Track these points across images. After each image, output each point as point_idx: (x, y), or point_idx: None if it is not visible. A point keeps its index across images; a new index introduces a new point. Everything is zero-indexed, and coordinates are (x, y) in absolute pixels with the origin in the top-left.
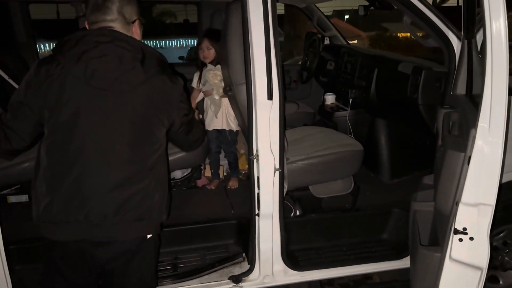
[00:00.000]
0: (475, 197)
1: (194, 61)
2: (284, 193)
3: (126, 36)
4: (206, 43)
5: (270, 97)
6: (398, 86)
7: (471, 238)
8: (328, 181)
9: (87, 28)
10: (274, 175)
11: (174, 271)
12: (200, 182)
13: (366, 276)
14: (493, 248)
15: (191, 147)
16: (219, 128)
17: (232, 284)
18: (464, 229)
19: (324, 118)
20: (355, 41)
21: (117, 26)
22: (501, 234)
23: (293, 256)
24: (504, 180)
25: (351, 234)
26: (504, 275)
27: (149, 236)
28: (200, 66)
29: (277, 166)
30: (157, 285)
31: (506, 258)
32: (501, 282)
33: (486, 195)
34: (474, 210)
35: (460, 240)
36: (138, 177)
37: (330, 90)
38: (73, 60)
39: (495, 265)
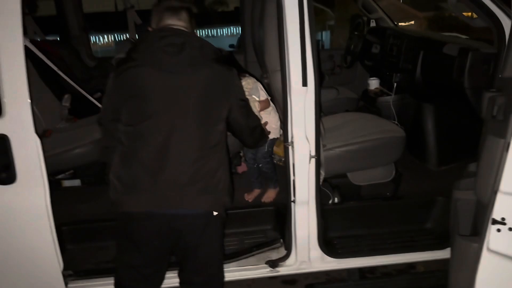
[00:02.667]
0: None
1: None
2: (321, 180)
3: (188, 31)
4: None
5: (304, 83)
6: (444, 69)
7: (510, 229)
8: (367, 168)
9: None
10: (309, 162)
11: None
12: (240, 169)
13: (410, 265)
14: None
15: (254, 136)
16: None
17: (269, 269)
18: (503, 219)
19: (367, 103)
20: (412, 22)
21: (184, 27)
22: None
23: (331, 243)
24: None
25: (392, 223)
26: None
27: (215, 213)
28: None
29: (313, 153)
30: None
31: None
32: None
33: None
34: None
35: (498, 230)
36: (204, 153)
37: (375, 74)
38: (146, 53)
39: None
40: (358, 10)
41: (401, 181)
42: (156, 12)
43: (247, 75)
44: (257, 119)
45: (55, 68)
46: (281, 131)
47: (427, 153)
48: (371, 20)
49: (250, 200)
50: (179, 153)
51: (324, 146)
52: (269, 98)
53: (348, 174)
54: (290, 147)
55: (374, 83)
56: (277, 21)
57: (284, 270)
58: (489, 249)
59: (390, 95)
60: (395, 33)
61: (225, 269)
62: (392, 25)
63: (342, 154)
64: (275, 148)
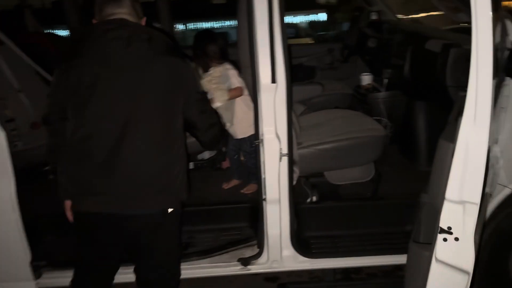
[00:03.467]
0: (460, 194)
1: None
2: (295, 179)
3: (134, 22)
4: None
5: (273, 80)
6: (429, 66)
7: (456, 239)
8: (344, 167)
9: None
10: (280, 160)
11: (186, 250)
12: (225, 164)
13: (397, 267)
14: None
15: (210, 134)
16: (238, 137)
17: (240, 266)
18: (449, 228)
19: (359, 99)
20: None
21: (130, 18)
22: None
23: (306, 242)
24: None
25: (371, 224)
26: None
27: (170, 210)
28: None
29: (284, 151)
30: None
31: None
32: None
33: (470, 192)
34: (460, 208)
35: (445, 240)
36: (158, 152)
37: (371, 69)
38: (91, 48)
39: None
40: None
41: (380, 181)
42: (97, 1)
43: (224, 63)
44: (216, 116)
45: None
46: None
47: (416, 152)
48: (372, 13)
49: (225, 188)
50: (133, 153)
51: (299, 144)
52: (241, 86)
53: (325, 173)
54: (260, 145)
55: (366, 79)
56: (247, 16)
57: (255, 268)
58: (437, 259)
59: (381, 91)
60: (390, 27)
61: (197, 265)
62: (393, 18)
63: (317, 153)
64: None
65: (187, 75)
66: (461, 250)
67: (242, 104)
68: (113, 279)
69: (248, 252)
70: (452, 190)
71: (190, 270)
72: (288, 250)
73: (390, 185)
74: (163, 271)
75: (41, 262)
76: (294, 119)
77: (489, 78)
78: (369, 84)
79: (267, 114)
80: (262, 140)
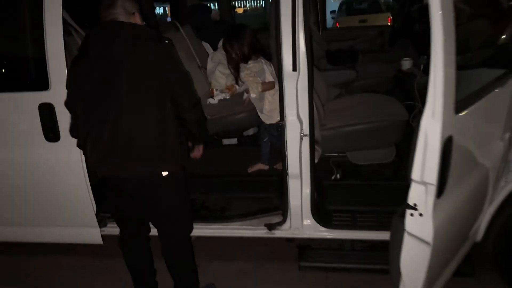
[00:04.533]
0: (421, 176)
1: None
2: (317, 157)
3: (121, 22)
4: (229, 48)
5: (294, 68)
6: None
7: (421, 214)
8: (364, 149)
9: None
10: (301, 140)
11: (222, 213)
12: (249, 169)
13: None
14: None
15: (194, 113)
16: (267, 122)
17: (266, 230)
18: (415, 205)
19: (398, 83)
20: None
21: (121, 17)
22: None
23: (328, 215)
24: None
25: (390, 203)
26: None
27: (165, 173)
28: (235, 68)
29: (306, 132)
30: (193, 220)
31: None
32: None
33: (429, 175)
34: (422, 188)
35: (412, 215)
36: (150, 127)
37: (418, 53)
38: (88, 49)
39: None
40: None
41: (401, 163)
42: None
43: (259, 58)
44: (196, 96)
45: None
46: None
47: None
48: None
49: (249, 171)
50: (128, 129)
51: (323, 125)
52: (274, 80)
53: (348, 153)
54: (284, 126)
55: (406, 64)
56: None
57: (279, 233)
58: (406, 231)
59: (422, 76)
60: None
61: (231, 227)
62: None
63: (339, 134)
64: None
65: (167, 60)
66: (424, 224)
67: (270, 95)
68: (144, 231)
69: (274, 219)
70: (416, 172)
71: (224, 230)
72: (309, 220)
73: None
74: (170, 225)
75: (105, 215)
76: (318, 103)
77: (441, 79)
78: (408, 68)
79: (289, 98)
80: (285, 121)
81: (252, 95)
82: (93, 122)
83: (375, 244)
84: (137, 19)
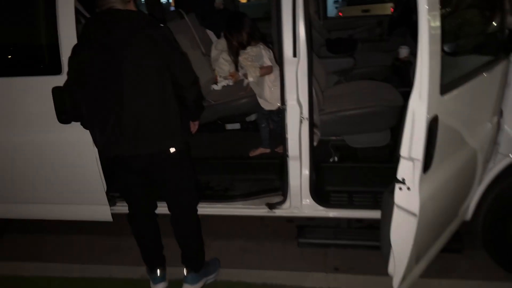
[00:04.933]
0: (409, 152)
1: None
2: (316, 140)
3: (118, 9)
4: (228, 36)
5: (294, 54)
6: None
7: (408, 188)
8: (360, 132)
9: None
10: (301, 123)
11: (225, 193)
12: (251, 153)
13: None
14: None
15: (192, 92)
16: (267, 109)
17: (267, 210)
18: (403, 179)
19: (396, 71)
20: None
21: (117, 5)
22: None
23: (326, 195)
24: None
25: (384, 184)
26: None
27: (172, 150)
28: (234, 55)
29: (306, 116)
30: (199, 197)
31: None
32: None
33: (416, 151)
34: (410, 164)
35: (400, 189)
36: (153, 107)
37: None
38: (88, 37)
39: None
40: None
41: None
42: None
43: (258, 45)
44: (196, 75)
45: None
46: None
47: None
48: None
49: (251, 155)
50: (133, 110)
51: (322, 110)
52: (272, 65)
53: (345, 137)
54: (284, 110)
55: (403, 52)
56: None
57: (279, 212)
58: (396, 204)
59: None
60: None
61: (233, 206)
62: None
63: (337, 118)
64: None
65: (165, 43)
66: (411, 197)
67: (270, 81)
68: (151, 207)
69: (274, 199)
70: (404, 149)
71: (227, 209)
72: (307, 200)
73: None
74: (177, 197)
75: (115, 194)
76: (317, 88)
77: (426, 64)
78: (405, 56)
79: (290, 83)
80: (285, 106)
81: (250, 79)
82: (98, 107)
83: (370, 223)
84: (132, 6)
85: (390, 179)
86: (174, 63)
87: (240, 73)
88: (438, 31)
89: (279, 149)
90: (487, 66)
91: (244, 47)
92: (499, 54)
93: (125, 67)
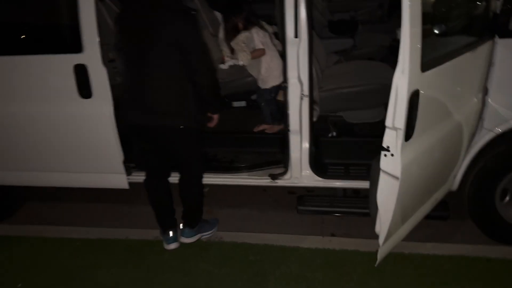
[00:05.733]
0: (393, 122)
1: None
2: (316, 116)
3: None
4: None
5: (296, 35)
6: None
7: (392, 155)
8: (357, 109)
9: None
10: (301, 100)
11: (231, 165)
12: (256, 128)
13: None
14: None
15: (205, 76)
16: (263, 87)
17: (270, 180)
18: (388, 147)
19: (393, 52)
20: None
21: None
22: None
23: (324, 167)
24: None
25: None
26: None
27: (181, 127)
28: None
29: (306, 93)
30: (204, 171)
31: None
32: None
33: (398, 121)
34: (394, 133)
35: (385, 155)
36: (170, 86)
37: None
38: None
39: None
40: None
41: None
42: None
43: (253, 28)
44: (212, 63)
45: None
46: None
47: None
48: None
49: (255, 130)
50: (153, 86)
51: (320, 88)
52: (264, 47)
53: (342, 113)
54: (287, 87)
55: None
56: None
57: (281, 182)
58: (381, 169)
59: None
60: None
61: (239, 176)
62: None
63: (335, 95)
64: None
65: (192, 30)
66: (394, 162)
67: (266, 62)
68: (165, 173)
69: (277, 171)
70: (389, 119)
71: (233, 179)
72: (307, 171)
73: None
74: (187, 169)
75: (131, 164)
76: (317, 67)
77: (408, 44)
78: None
79: (291, 62)
80: (287, 83)
81: (240, 63)
82: (130, 75)
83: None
84: None
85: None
86: (194, 49)
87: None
88: (419, 13)
89: (256, 128)
90: (471, 46)
91: (238, 31)
92: (484, 35)
93: (155, 46)
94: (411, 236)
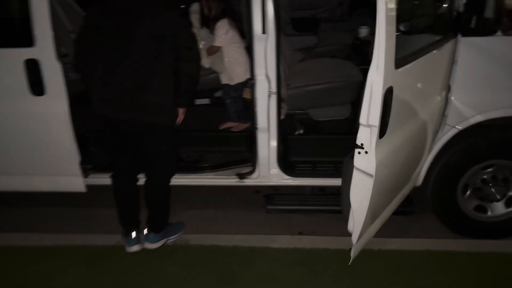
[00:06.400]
0: (367, 119)
1: None
2: (283, 114)
3: None
4: (203, 3)
5: (264, 31)
6: None
7: (366, 152)
8: (324, 106)
9: None
10: (269, 97)
11: (196, 164)
12: (221, 126)
13: None
14: (482, 181)
15: (190, 66)
16: (224, 83)
17: (237, 179)
18: (362, 144)
19: (356, 50)
20: None
21: None
22: (490, 169)
23: (292, 165)
24: (492, 116)
25: (345, 154)
26: (491, 206)
27: (161, 123)
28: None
29: (274, 90)
30: (175, 172)
31: (492, 190)
32: (488, 213)
33: (373, 119)
34: (368, 130)
35: (359, 153)
36: (143, 81)
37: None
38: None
39: (482, 196)
40: None
41: (355, 119)
42: None
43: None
44: (199, 55)
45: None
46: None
47: None
48: None
49: (221, 128)
50: (134, 83)
51: (288, 85)
52: (220, 45)
53: (309, 111)
54: (254, 84)
55: (363, 31)
56: None
57: (249, 182)
58: (355, 167)
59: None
60: None
61: (205, 177)
62: None
63: (303, 93)
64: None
65: (180, 23)
66: (368, 159)
67: (230, 58)
68: (134, 171)
69: (244, 170)
70: (363, 117)
71: (199, 179)
72: (275, 169)
73: None
74: (156, 166)
75: (88, 166)
76: (284, 64)
77: (383, 42)
78: (365, 36)
79: (259, 59)
80: (255, 80)
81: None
82: (106, 65)
83: (331, 191)
84: None
85: (349, 149)
86: (185, 40)
87: None
88: (394, 12)
89: (235, 128)
90: (436, 44)
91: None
92: (448, 34)
93: (139, 38)
94: (379, 233)
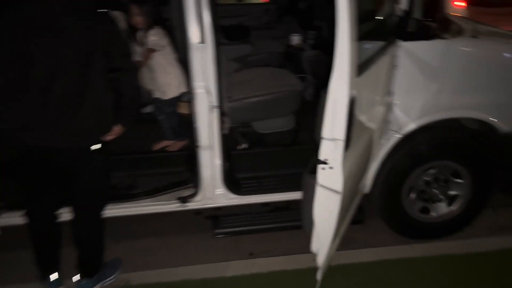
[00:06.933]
0: (331, 133)
1: None
2: (227, 128)
3: None
4: (134, 10)
5: (202, 40)
6: None
7: (331, 167)
8: (267, 118)
9: None
10: (211, 112)
11: (130, 191)
12: (155, 146)
13: None
14: (425, 183)
15: (130, 92)
16: (156, 96)
17: (179, 204)
18: (326, 159)
19: (289, 58)
20: None
21: None
22: (432, 171)
23: (236, 182)
24: (432, 120)
25: (291, 166)
26: (434, 207)
27: (95, 147)
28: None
29: (215, 104)
30: (107, 203)
31: (434, 191)
32: (432, 213)
33: (338, 131)
34: (332, 144)
35: (323, 168)
36: (74, 101)
37: (303, 29)
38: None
39: (426, 198)
40: None
41: (299, 130)
42: None
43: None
44: (133, 62)
45: None
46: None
47: None
48: None
49: (154, 149)
50: (64, 99)
51: (229, 97)
52: (153, 47)
53: (253, 124)
54: (193, 98)
55: (295, 39)
56: None
57: (192, 205)
58: (319, 184)
59: (307, 51)
60: None
61: (141, 204)
62: None
63: (245, 105)
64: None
65: (107, 26)
66: (334, 176)
67: (163, 70)
68: (57, 206)
69: (186, 192)
70: (326, 130)
71: (134, 208)
72: (220, 189)
73: (309, 133)
74: (87, 197)
75: None
76: (224, 75)
77: (347, 49)
78: (297, 43)
79: (197, 71)
80: (194, 94)
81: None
82: (19, 85)
83: (280, 205)
84: None
85: (295, 160)
86: (117, 49)
87: None
88: (356, 16)
89: (171, 148)
90: (383, 50)
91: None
92: (390, 39)
93: (67, 52)
94: None
